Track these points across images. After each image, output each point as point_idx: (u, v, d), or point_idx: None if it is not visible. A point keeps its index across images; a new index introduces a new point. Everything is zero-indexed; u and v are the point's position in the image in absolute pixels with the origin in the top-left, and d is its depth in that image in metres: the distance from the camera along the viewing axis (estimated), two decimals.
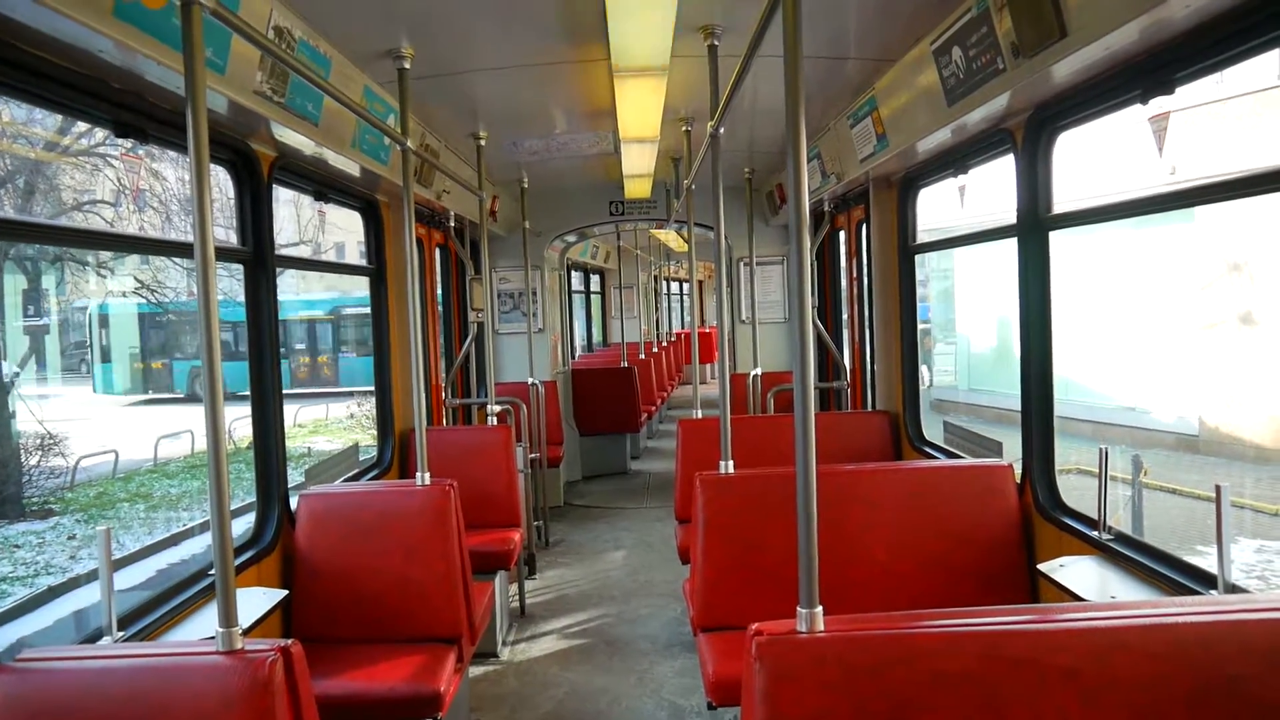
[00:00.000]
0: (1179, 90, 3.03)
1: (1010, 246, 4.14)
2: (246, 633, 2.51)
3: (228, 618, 2.41)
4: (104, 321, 26.10)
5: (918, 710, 2.11)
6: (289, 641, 2.39)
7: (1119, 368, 14.23)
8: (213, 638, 2.39)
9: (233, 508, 2.56)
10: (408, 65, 4.38)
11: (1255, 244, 12.20)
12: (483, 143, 6.34)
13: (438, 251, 7.76)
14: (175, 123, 3.36)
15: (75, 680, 2.35)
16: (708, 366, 23.11)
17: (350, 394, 24.51)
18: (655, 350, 15.77)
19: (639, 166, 7.09)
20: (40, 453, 14.76)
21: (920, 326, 6.04)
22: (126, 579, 9.26)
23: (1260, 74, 11.16)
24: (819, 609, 2.19)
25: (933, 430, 5.86)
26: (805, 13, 2.31)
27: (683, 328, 26.99)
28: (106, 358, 26.16)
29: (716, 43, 4.21)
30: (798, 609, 2.19)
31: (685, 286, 28.35)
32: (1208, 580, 2.98)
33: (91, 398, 24.51)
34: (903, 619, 2.26)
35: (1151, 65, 3.02)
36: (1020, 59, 3.30)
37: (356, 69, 4.37)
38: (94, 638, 2.99)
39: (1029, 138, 3.91)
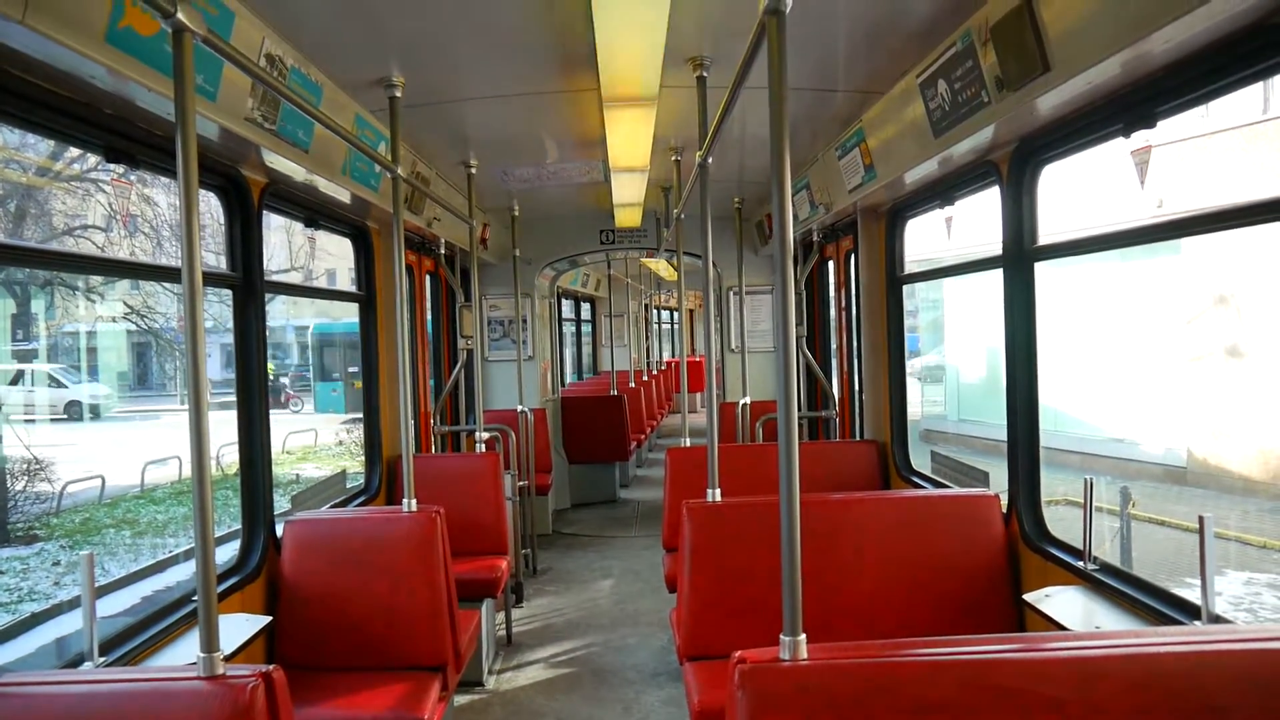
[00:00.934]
0: (1163, 124, 3.08)
1: (998, 277, 4.17)
2: (229, 659, 2.49)
3: (209, 643, 2.40)
4: (320, 343, 27.65)
5: None
6: (271, 667, 2.37)
7: (1107, 399, 14.27)
8: (195, 663, 2.37)
9: (219, 534, 2.55)
10: (399, 93, 4.41)
11: (1241, 277, 12.28)
12: (473, 171, 6.37)
13: (428, 278, 7.78)
14: (166, 148, 3.37)
15: (56, 705, 2.33)
16: (697, 395, 23.08)
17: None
18: (645, 379, 15.76)
19: (629, 195, 7.13)
20: (26, 478, 14.67)
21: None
22: (109, 606, 9.18)
23: (1246, 109, 11.30)
24: (802, 637, 2.18)
25: (920, 460, 5.87)
26: (793, 45, 2.34)
27: (673, 356, 27.01)
28: (326, 377, 27.21)
29: (705, 74, 4.25)
30: (781, 637, 2.19)
31: (675, 315, 28.41)
32: (1192, 611, 2.99)
33: (313, 417, 25.13)
34: (887, 647, 2.25)
35: (1133, 99, 3.06)
36: (1004, 92, 3.34)
37: (348, 96, 4.40)
38: (75, 663, 2.97)
39: (1014, 170, 3.95)
